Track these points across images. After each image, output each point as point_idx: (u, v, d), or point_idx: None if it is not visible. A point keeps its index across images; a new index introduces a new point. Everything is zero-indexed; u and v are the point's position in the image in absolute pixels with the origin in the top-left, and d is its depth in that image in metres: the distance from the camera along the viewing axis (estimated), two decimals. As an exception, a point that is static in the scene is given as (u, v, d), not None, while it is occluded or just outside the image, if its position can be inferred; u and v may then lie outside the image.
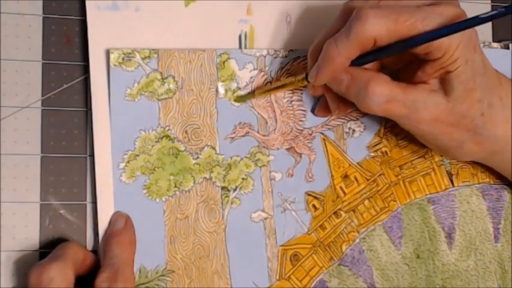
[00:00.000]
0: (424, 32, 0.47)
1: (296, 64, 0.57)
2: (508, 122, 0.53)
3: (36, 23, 0.54)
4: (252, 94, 0.56)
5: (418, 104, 0.51)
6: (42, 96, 0.54)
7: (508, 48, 0.62)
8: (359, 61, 0.50)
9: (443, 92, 0.51)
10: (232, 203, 0.56)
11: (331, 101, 0.55)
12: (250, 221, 0.56)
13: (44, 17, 0.54)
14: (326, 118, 0.58)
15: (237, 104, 0.56)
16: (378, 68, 0.53)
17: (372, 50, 0.49)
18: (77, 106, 0.54)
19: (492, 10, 0.47)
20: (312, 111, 0.58)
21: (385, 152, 0.59)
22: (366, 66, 0.52)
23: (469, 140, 0.53)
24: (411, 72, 0.52)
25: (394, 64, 0.54)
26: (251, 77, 0.57)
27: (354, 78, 0.51)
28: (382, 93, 0.50)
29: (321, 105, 0.57)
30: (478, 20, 0.47)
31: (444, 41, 0.48)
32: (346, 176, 0.58)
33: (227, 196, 0.56)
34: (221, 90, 0.56)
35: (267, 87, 0.56)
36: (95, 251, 0.53)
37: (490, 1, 0.64)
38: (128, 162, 0.54)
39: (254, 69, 0.57)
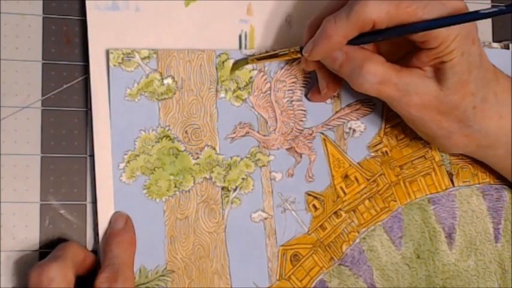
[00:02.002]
0: (424, 20, 0.48)
1: (296, 64, 0.57)
2: (502, 118, 0.53)
3: (36, 23, 0.54)
4: (245, 60, 0.56)
5: (410, 88, 0.51)
6: (42, 96, 0.54)
7: (508, 48, 0.62)
8: (356, 41, 0.50)
9: (436, 80, 0.51)
10: (232, 203, 0.56)
11: (321, 79, 0.55)
12: (251, 221, 0.56)
13: (44, 17, 0.54)
14: (326, 118, 0.58)
15: (236, 104, 0.56)
16: (375, 51, 0.53)
17: (369, 31, 0.49)
18: (77, 106, 0.54)
19: (493, 7, 0.47)
20: (306, 95, 0.58)
21: (386, 152, 0.59)
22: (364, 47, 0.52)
23: (457, 131, 0.53)
24: (403, 55, 0.52)
25: (391, 54, 0.54)
26: (251, 77, 0.57)
27: (348, 57, 0.51)
28: (376, 73, 0.50)
29: (313, 89, 0.57)
30: (478, 15, 0.47)
31: (442, 31, 0.48)
32: (346, 176, 0.58)
33: (227, 196, 0.56)
34: (221, 91, 0.56)
35: (261, 55, 0.56)
36: (95, 251, 0.53)
37: (490, 1, 0.64)
38: (128, 162, 0.54)
39: (254, 69, 0.57)
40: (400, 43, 0.53)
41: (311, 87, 0.57)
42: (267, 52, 0.56)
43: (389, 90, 0.51)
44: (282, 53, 0.55)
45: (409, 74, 0.51)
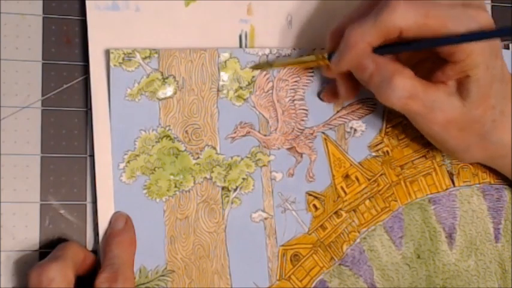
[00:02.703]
0: (454, 33, 0.47)
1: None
2: None
3: (36, 23, 0.54)
4: (269, 64, 0.56)
5: (435, 105, 0.51)
6: (42, 96, 0.54)
7: (508, 48, 0.62)
8: (382, 50, 0.50)
9: (459, 95, 0.51)
10: (232, 203, 0.56)
11: (341, 85, 0.55)
12: (251, 221, 0.56)
13: (44, 17, 0.54)
14: (327, 118, 0.58)
15: (238, 104, 0.56)
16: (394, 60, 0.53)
17: (396, 41, 0.49)
18: (77, 106, 0.54)
19: None
20: (318, 95, 0.58)
21: (386, 151, 0.59)
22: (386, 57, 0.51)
23: (475, 144, 0.53)
24: (426, 68, 0.52)
25: (410, 58, 0.53)
26: (253, 77, 0.57)
27: (378, 68, 0.50)
28: (405, 88, 0.50)
29: (327, 89, 0.57)
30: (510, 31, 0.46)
31: (469, 45, 0.48)
32: (347, 176, 0.58)
33: (227, 196, 0.56)
34: (222, 91, 0.56)
35: (286, 61, 0.56)
36: (95, 251, 0.53)
37: (490, 1, 0.64)
38: (128, 162, 0.54)
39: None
40: (426, 55, 0.53)
41: (325, 87, 0.57)
42: (291, 58, 0.56)
43: (416, 106, 0.51)
44: (309, 59, 0.55)
45: (435, 90, 0.51)
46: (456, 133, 0.52)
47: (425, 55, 0.53)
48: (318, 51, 0.56)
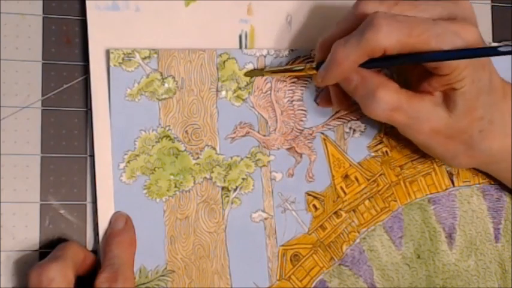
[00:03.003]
0: (436, 50, 0.47)
1: (297, 64, 0.57)
2: (507, 136, 0.53)
3: (36, 23, 0.54)
4: (260, 71, 0.56)
5: (421, 115, 0.51)
6: (42, 96, 0.54)
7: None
8: (368, 64, 0.50)
9: (446, 106, 0.51)
10: (232, 203, 0.56)
11: (333, 95, 0.55)
12: (251, 221, 0.56)
13: (44, 17, 0.54)
14: (326, 118, 0.58)
15: (237, 104, 0.56)
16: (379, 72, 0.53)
17: (381, 57, 0.49)
18: (77, 106, 0.54)
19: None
20: (315, 100, 0.58)
21: (386, 152, 0.59)
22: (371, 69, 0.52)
23: (463, 152, 0.54)
24: (416, 77, 0.52)
25: (404, 76, 0.54)
26: (251, 77, 0.57)
27: (363, 81, 0.51)
28: (389, 101, 0.50)
29: (323, 95, 0.57)
30: (495, 52, 0.46)
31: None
32: (346, 176, 0.58)
33: (227, 196, 0.55)
34: (221, 91, 0.56)
35: (277, 68, 0.56)
36: (95, 251, 0.53)
37: (490, 1, 0.64)
38: (128, 162, 0.54)
39: (255, 69, 0.57)
40: (412, 66, 0.53)
41: (320, 93, 0.57)
42: (281, 66, 0.57)
43: (400, 117, 0.51)
44: (298, 68, 0.55)
45: (420, 101, 0.51)
46: (443, 141, 0.53)
47: (418, 70, 0.53)
48: (308, 61, 0.56)
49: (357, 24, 0.50)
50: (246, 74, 0.56)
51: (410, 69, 0.54)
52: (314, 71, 0.53)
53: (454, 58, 0.47)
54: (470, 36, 0.48)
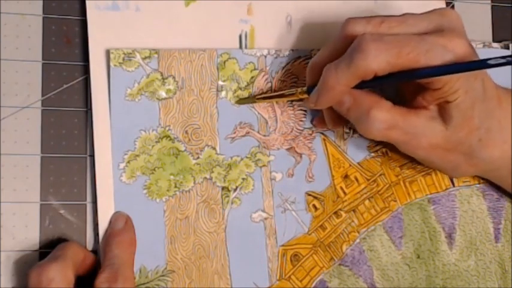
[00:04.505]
0: (426, 67, 0.47)
1: (297, 64, 0.57)
2: (505, 143, 0.53)
3: (36, 23, 0.54)
4: (252, 98, 0.56)
5: (417, 131, 0.51)
6: (42, 96, 0.54)
7: (508, 48, 0.62)
8: (360, 85, 0.50)
9: (442, 119, 0.51)
10: (232, 203, 0.56)
11: (327, 117, 0.56)
12: (251, 221, 0.56)
13: (44, 17, 0.54)
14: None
15: (236, 104, 0.56)
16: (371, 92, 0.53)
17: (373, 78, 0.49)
18: (77, 106, 0.54)
19: (505, 56, 0.46)
20: (311, 121, 0.58)
21: (386, 152, 0.59)
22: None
23: (464, 162, 0.54)
24: (410, 92, 0.52)
25: (398, 92, 0.54)
26: (252, 77, 0.57)
27: (356, 102, 0.51)
28: (383, 120, 0.50)
29: (319, 117, 0.57)
30: (484, 65, 0.46)
31: None
32: (346, 176, 0.58)
33: (227, 196, 0.56)
34: (221, 91, 0.56)
35: (268, 95, 0.56)
36: (95, 251, 0.53)
37: (490, 1, 0.64)
38: (128, 162, 0.54)
39: (255, 69, 0.57)
40: (404, 82, 0.53)
41: (316, 114, 0.58)
42: (273, 90, 0.57)
43: (397, 135, 0.51)
44: (289, 93, 0.55)
45: (415, 117, 0.51)
46: (443, 154, 0.53)
47: (411, 86, 0.53)
48: (299, 87, 0.56)
49: (346, 44, 0.49)
50: (238, 102, 0.56)
51: (403, 85, 0.54)
52: (305, 95, 0.53)
53: (444, 73, 0.47)
54: (458, 49, 0.48)
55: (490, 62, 0.46)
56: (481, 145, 0.52)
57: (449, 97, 0.49)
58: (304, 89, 0.54)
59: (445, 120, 0.51)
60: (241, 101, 0.56)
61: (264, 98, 0.56)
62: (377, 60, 0.47)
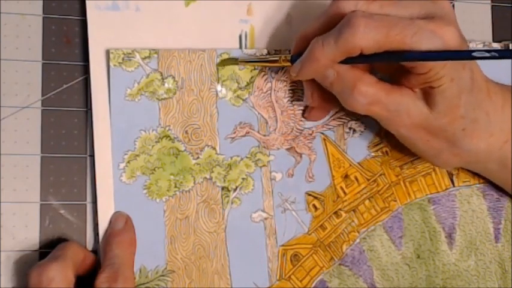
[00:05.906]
0: (412, 50, 0.47)
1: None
2: (492, 136, 0.53)
3: (36, 23, 0.54)
4: (235, 61, 0.56)
5: (400, 108, 0.51)
6: (42, 96, 0.54)
7: (508, 48, 0.62)
8: (345, 61, 0.50)
9: (426, 103, 0.51)
10: (232, 203, 0.56)
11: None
12: (251, 221, 0.56)
13: (44, 17, 0.54)
14: (326, 118, 0.58)
15: (237, 104, 0.56)
16: (367, 69, 0.52)
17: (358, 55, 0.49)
18: (77, 106, 0.54)
19: (490, 50, 0.46)
20: (302, 114, 0.58)
21: (386, 151, 0.59)
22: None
23: (446, 150, 0.53)
24: (395, 71, 0.52)
25: (385, 69, 0.54)
26: (252, 77, 0.57)
27: (340, 76, 0.51)
28: (367, 94, 0.50)
29: (310, 109, 0.57)
30: (469, 56, 0.46)
31: None
32: (346, 176, 0.58)
33: (227, 196, 0.56)
34: (221, 91, 0.56)
35: (251, 58, 0.56)
36: (95, 251, 0.53)
37: (490, 1, 0.64)
38: (128, 162, 0.54)
39: (255, 69, 0.57)
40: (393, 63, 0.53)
41: (307, 108, 0.57)
42: (261, 55, 0.56)
43: (379, 110, 0.51)
44: (272, 58, 0.55)
45: (399, 94, 0.51)
46: (425, 136, 0.52)
47: (399, 66, 0.52)
48: (283, 52, 0.56)
49: (336, 19, 0.49)
50: (219, 64, 0.56)
51: (392, 71, 0.53)
52: (289, 64, 0.53)
53: (428, 59, 0.47)
54: (447, 36, 0.48)
55: (474, 54, 0.46)
56: (465, 135, 0.52)
57: (433, 83, 0.49)
58: (288, 56, 0.53)
59: (429, 104, 0.50)
60: (223, 62, 0.56)
61: (247, 62, 0.56)
62: (365, 37, 0.47)
